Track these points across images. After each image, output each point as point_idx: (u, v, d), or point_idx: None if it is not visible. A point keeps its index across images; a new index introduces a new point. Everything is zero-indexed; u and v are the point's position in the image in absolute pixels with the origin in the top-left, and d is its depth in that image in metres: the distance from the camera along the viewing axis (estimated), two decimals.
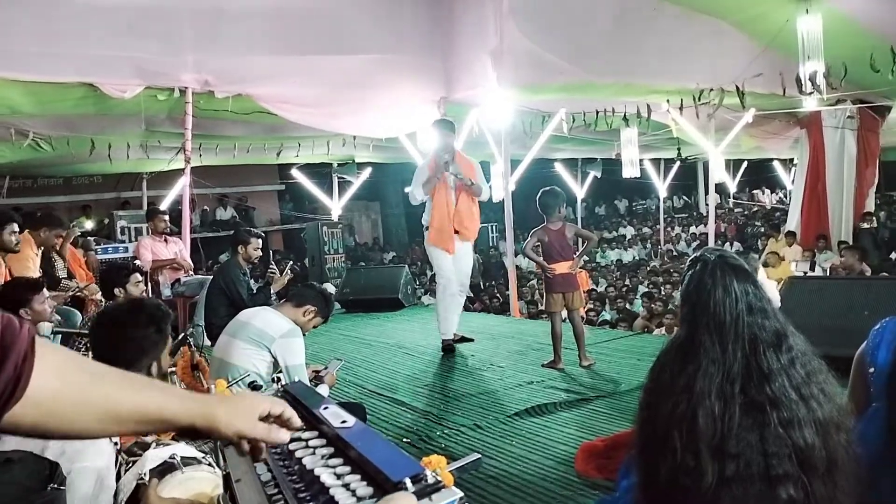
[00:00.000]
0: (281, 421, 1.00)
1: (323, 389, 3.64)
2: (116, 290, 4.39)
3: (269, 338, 3.45)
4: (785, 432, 1.44)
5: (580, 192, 17.75)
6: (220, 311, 5.28)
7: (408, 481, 0.84)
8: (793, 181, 14.28)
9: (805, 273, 9.20)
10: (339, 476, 0.93)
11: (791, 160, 16.14)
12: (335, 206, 14.06)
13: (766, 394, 1.48)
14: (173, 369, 3.77)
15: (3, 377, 0.78)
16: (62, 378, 0.84)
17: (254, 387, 1.38)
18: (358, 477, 0.92)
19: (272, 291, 5.57)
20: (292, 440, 1.11)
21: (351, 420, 1.08)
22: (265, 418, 0.98)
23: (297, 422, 1.02)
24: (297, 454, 1.04)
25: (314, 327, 3.79)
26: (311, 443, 1.08)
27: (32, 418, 0.82)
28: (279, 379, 1.49)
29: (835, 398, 1.54)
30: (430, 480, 0.85)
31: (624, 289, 12.12)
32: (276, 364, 3.52)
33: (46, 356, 0.83)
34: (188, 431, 0.96)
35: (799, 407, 1.47)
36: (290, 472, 1.05)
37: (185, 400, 0.94)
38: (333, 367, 3.92)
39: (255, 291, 5.59)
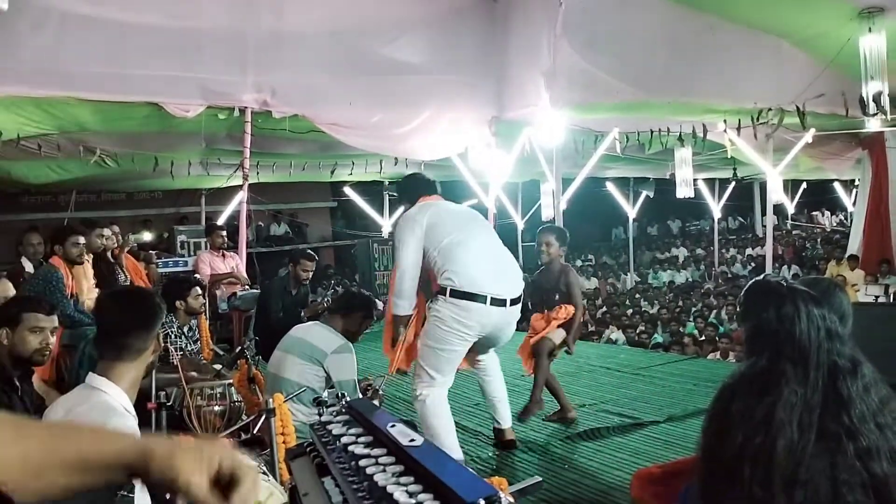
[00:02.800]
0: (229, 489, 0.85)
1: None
2: (178, 303, 4.51)
3: (322, 353, 3.52)
4: (861, 463, 1.40)
5: (632, 211, 17.53)
6: (261, 324, 5.58)
7: (482, 502, 0.84)
8: (854, 203, 13.86)
9: (876, 298, 8.87)
10: (411, 494, 0.94)
11: (852, 181, 15.67)
12: (385, 223, 14.22)
13: (843, 422, 1.45)
14: (230, 381, 3.86)
15: None
16: None
17: (318, 402, 1.41)
18: (430, 496, 0.93)
19: (303, 314, 5.71)
20: (361, 456, 1.12)
21: (419, 439, 1.10)
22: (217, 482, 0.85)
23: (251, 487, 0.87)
24: (368, 470, 1.06)
25: (367, 329, 3.87)
26: (380, 460, 1.09)
27: None
28: (344, 395, 1.52)
29: None
30: (504, 503, 0.85)
31: (677, 311, 11.88)
32: (328, 378, 3.57)
33: None
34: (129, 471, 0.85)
35: (876, 436, 1.44)
36: (360, 488, 1.07)
37: (117, 439, 0.86)
38: (378, 383, 3.93)
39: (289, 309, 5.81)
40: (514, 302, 3.42)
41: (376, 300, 10.29)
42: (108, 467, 0.84)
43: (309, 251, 6.19)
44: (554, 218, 8.49)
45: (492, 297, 3.29)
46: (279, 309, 5.69)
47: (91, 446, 0.84)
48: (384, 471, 1.05)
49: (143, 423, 2.78)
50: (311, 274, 6.01)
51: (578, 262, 18.32)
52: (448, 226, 3.42)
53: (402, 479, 1.00)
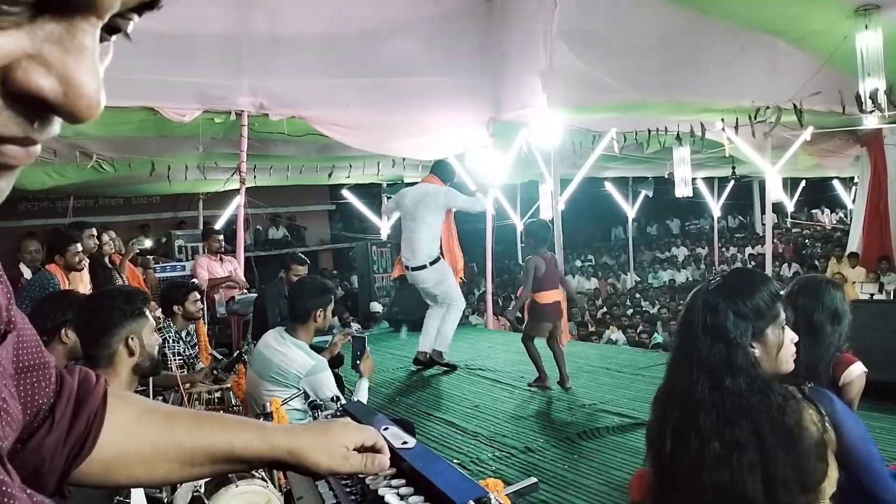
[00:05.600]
0: (373, 451, 0.94)
1: (363, 384, 3.55)
2: (175, 308, 4.50)
3: (294, 377, 3.28)
4: (698, 471, 1.42)
5: (631, 211, 17.51)
6: (258, 331, 5.52)
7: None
8: (853, 200, 13.86)
9: (872, 296, 8.87)
10: (402, 497, 0.93)
11: (852, 179, 15.67)
12: (384, 225, 14.20)
13: (695, 425, 1.43)
14: (228, 385, 3.85)
15: (74, 434, 0.77)
16: (131, 435, 0.82)
17: (313, 405, 1.40)
18: (421, 499, 0.92)
19: None
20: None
21: (412, 441, 1.09)
22: (357, 449, 0.93)
23: (387, 454, 0.96)
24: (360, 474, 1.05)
25: (331, 313, 3.57)
26: None
27: (101, 474, 0.80)
28: (338, 398, 1.50)
29: (768, 448, 1.39)
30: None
31: (678, 310, 11.86)
32: (307, 394, 3.39)
33: (117, 411, 0.81)
34: (275, 465, 0.92)
35: (716, 447, 1.41)
36: (352, 491, 1.06)
37: (267, 435, 0.89)
38: (347, 343, 3.67)
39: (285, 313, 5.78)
40: (415, 269, 5.71)
41: (374, 303, 10.24)
42: (253, 462, 0.89)
43: (300, 255, 6.10)
44: (553, 219, 8.48)
45: (405, 264, 5.79)
46: (276, 314, 5.68)
47: (242, 442, 0.86)
48: (376, 473, 1.04)
49: None
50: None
51: (578, 263, 18.32)
52: (403, 216, 5.92)
53: (394, 482, 1.00)
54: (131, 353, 2.07)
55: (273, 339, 3.44)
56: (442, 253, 5.98)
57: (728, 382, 1.42)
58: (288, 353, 3.33)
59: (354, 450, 0.92)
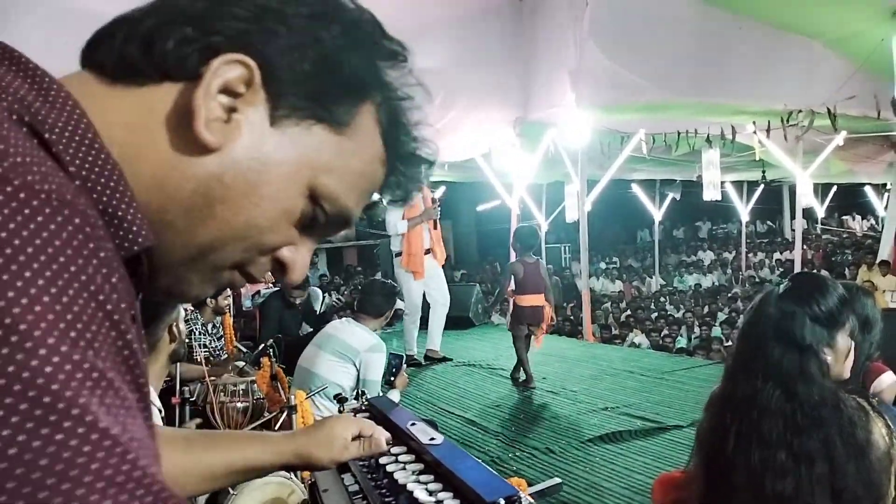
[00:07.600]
0: (369, 440, 1.03)
1: (394, 395, 3.67)
2: (209, 301, 4.56)
3: (354, 351, 3.56)
4: (760, 478, 1.37)
5: (658, 214, 17.33)
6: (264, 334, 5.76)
7: (502, 502, 0.83)
8: (886, 207, 13.59)
9: None
10: (431, 492, 0.94)
11: (884, 185, 15.38)
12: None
13: (758, 431, 1.39)
14: (253, 378, 3.88)
15: None
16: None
17: (339, 399, 1.43)
18: (450, 495, 0.92)
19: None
20: (381, 454, 1.12)
21: (439, 437, 1.09)
22: (355, 438, 1.01)
23: (383, 436, 1.04)
24: (388, 468, 1.05)
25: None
26: (400, 458, 1.09)
27: None
28: (364, 393, 1.51)
29: (840, 462, 1.33)
30: (524, 503, 0.84)
31: (706, 316, 11.71)
32: (359, 375, 3.60)
33: None
34: (286, 468, 1.02)
35: (782, 457, 1.36)
36: (379, 485, 1.06)
37: (271, 445, 0.99)
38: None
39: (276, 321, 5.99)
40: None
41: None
42: (267, 469, 1.00)
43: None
44: (578, 220, 8.42)
45: None
46: (275, 320, 5.84)
47: (252, 454, 0.97)
48: (404, 468, 1.04)
49: (168, 416, 2.82)
50: (299, 300, 6.18)
51: (603, 265, 18.19)
52: None
53: (422, 478, 1.00)
54: (172, 340, 2.20)
55: (341, 322, 3.92)
56: (403, 250, 6.16)
57: (801, 391, 1.37)
58: (353, 330, 3.74)
59: (353, 439, 1.01)
